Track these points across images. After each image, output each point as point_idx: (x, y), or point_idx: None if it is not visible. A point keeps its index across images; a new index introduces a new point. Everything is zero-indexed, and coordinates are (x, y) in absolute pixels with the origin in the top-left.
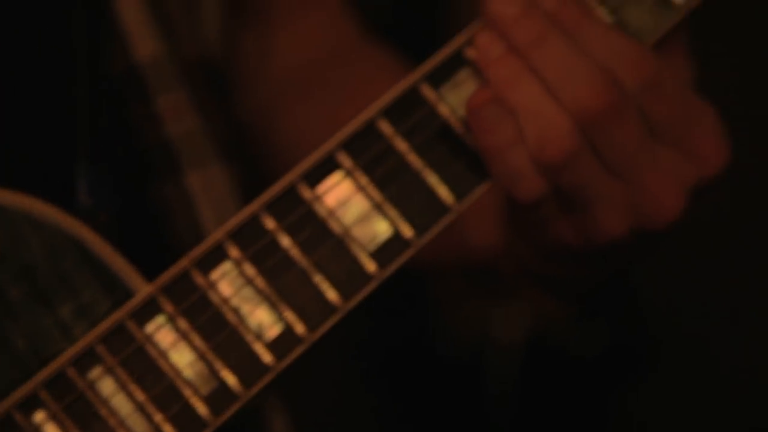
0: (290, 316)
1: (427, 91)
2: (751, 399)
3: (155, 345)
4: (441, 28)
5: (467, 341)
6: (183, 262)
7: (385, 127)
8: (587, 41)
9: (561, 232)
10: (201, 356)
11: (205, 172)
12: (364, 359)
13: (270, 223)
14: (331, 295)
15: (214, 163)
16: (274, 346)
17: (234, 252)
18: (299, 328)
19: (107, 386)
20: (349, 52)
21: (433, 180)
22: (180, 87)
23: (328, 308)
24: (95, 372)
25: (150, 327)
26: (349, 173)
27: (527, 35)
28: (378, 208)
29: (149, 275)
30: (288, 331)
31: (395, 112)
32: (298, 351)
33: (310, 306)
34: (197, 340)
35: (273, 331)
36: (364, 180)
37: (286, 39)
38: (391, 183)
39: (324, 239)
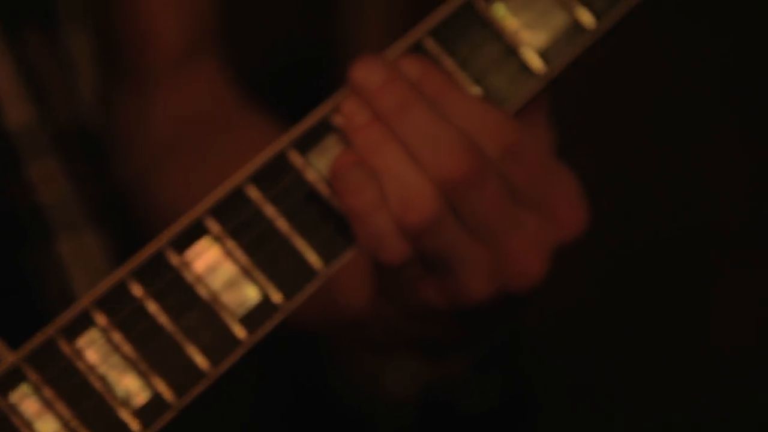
0: (158, 382)
1: (295, 157)
2: None
3: (19, 415)
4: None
5: (360, 394)
6: (48, 330)
7: (254, 193)
8: (450, 109)
9: (426, 295)
10: (66, 425)
11: (77, 238)
12: (258, 410)
13: (137, 290)
14: (200, 360)
15: (87, 229)
16: (141, 413)
17: (101, 319)
18: (167, 394)
19: None
20: (226, 119)
21: (302, 245)
22: (52, 154)
23: (197, 374)
24: None
25: (14, 396)
26: (217, 239)
27: (391, 103)
28: (247, 273)
29: (17, 344)
30: (156, 398)
31: (263, 178)
32: (167, 417)
33: (178, 372)
34: (63, 409)
35: (141, 398)
36: (232, 245)
37: (163, 106)
38: (259, 248)
39: (192, 305)
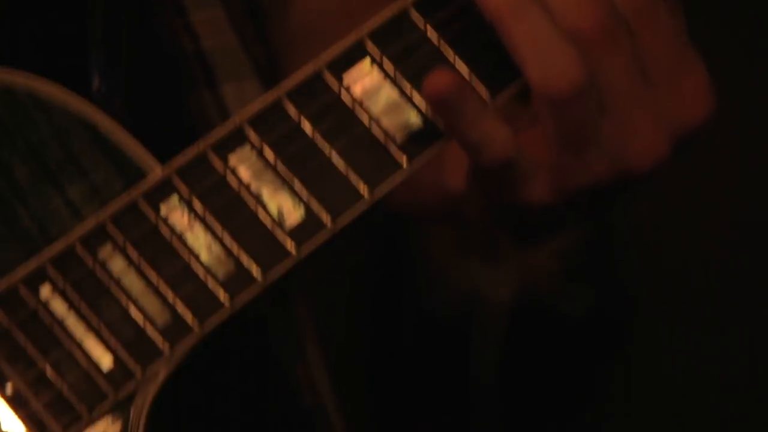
0: (314, 203)
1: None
2: (732, 372)
3: (170, 226)
4: None
5: (456, 299)
6: (200, 145)
7: (415, 16)
8: None
9: (532, 191)
10: (218, 239)
11: (239, 85)
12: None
13: (292, 110)
14: (360, 185)
15: (249, 78)
16: (295, 233)
17: (253, 136)
18: (323, 215)
19: (117, 264)
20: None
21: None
22: (217, 4)
23: (354, 197)
24: (105, 250)
25: (164, 208)
26: (376, 61)
27: None
28: (407, 98)
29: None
30: (310, 219)
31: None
32: (321, 239)
33: (333, 195)
34: (214, 224)
35: (294, 217)
36: (391, 69)
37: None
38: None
39: (350, 128)
